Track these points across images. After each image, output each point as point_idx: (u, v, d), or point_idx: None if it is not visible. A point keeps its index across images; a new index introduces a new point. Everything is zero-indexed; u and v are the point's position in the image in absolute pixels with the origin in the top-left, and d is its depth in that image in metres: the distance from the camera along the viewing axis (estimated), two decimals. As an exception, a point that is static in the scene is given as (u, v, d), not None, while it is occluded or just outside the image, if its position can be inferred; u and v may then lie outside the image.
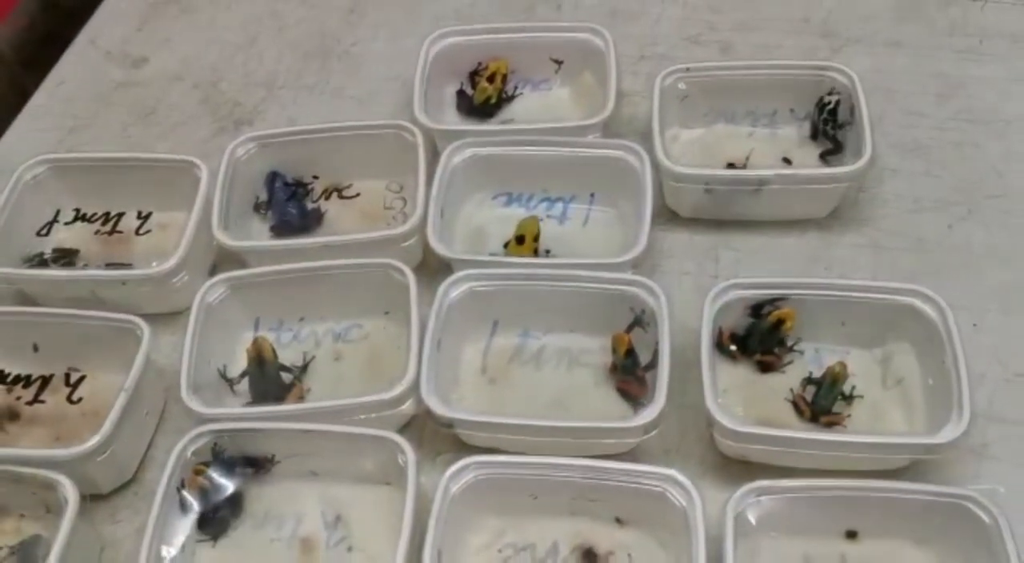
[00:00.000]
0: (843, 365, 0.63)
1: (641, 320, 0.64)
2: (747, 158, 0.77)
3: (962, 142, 0.80)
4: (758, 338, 0.65)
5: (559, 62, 0.83)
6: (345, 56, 0.92)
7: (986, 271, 0.72)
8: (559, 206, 0.74)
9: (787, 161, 0.76)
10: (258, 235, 0.76)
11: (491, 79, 0.83)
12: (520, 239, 0.72)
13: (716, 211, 0.74)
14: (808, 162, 0.76)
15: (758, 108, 0.78)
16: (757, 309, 0.65)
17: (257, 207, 0.78)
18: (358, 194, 0.77)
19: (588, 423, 0.61)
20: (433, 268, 0.71)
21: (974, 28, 0.87)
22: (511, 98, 0.84)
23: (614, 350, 0.65)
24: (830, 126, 0.75)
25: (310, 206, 0.78)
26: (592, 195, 0.74)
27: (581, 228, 0.73)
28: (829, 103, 0.75)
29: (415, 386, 0.62)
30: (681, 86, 0.77)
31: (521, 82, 0.84)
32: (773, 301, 0.64)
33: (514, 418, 0.62)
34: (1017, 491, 0.60)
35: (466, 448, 0.64)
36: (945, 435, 0.57)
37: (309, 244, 0.71)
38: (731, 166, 0.76)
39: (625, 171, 0.72)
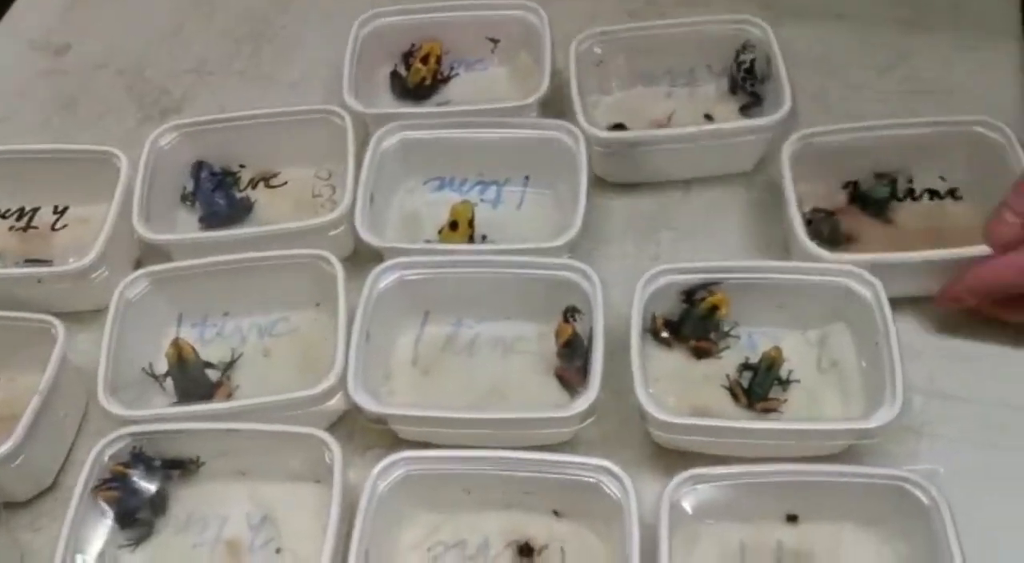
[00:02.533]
0: (778, 350, 0.61)
1: (573, 311, 0.62)
2: (669, 118, 0.76)
3: (905, 113, 0.78)
4: (692, 324, 0.63)
5: (495, 41, 0.81)
6: (276, 39, 0.89)
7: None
8: (493, 189, 0.72)
9: (709, 118, 0.76)
10: (186, 227, 0.74)
11: (425, 60, 0.80)
12: (454, 225, 0.70)
13: (644, 173, 0.73)
14: (730, 117, 0.75)
15: (675, 67, 0.77)
16: (690, 294, 0.63)
17: (184, 198, 0.75)
18: (285, 182, 0.74)
19: (521, 414, 0.60)
20: (365, 257, 0.69)
21: (917, -2, 0.86)
22: (447, 79, 0.81)
23: (556, 338, 0.63)
24: (748, 83, 0.75)
25: (239, 196, 0.75)
26: (527, 177, 0.72)
27: (515, 211, 0.71)
28: (745, 62, 0.75)
29: (343, 381, 0.60)
30: (596, 50, 0.75)
31: (457, 63, 0.82)
32: (706, 286, 0.63)
33: (445, 411, 0.60)
34: (957, 468, 0.59)
35: (401, 442, 0.63)
36: (877, 419, 0.55)
37: (233, 236, 0.69)
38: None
39: (560, 151, 0.70)
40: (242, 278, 0.66)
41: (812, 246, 0.63)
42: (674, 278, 0.63)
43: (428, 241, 0.71)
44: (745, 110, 0.76)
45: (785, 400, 0.61)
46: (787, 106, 0.70)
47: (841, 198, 0.70)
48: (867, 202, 0.70)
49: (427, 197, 0.72)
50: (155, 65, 0.88)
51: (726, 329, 0.64)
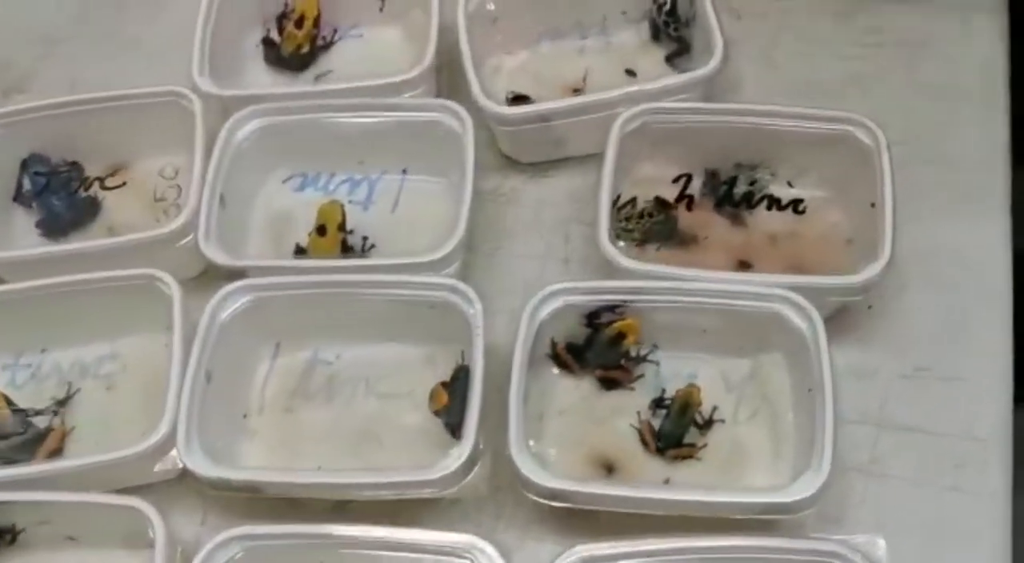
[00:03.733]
0: (695, 389, 0.51)
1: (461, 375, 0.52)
2: (584, 78, 0.65)
3: (865, 72, 0.66)
4: (597, 352, 0.53)
5: (382, -2, 0.69)
6: (144, -3, 0.76)
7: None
8: (364, 187, 0.60)
9: (630, 73, 0.65)
10: (22, 236, 0.63)
11: (299, 23, 0.68)
12: (321, 229, 0.59)
13: (563, 149, 0.62)
14: (655, 70, 0.64)
15: (585, 17, 0.65)
16: (593, 317, 0.53)
17: (19, 200, 0.64)
18: (124, 183, 0.63)
19: (383, 478, 0.49)
20: (220, 274, 0.58)
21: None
22: (329, 44, 0.69)
23: (430, 400, 0.53)
24: (672, 28, 0.64)
25: (82, 195, 0.64)
26: (404, 171, 0.61)
27: (389, 215, 0.59)
28: (664, 2, 0.64)
29: (174, 436, 0.50)
30: (489, 7, 0.63)
31: (341, 25, 0.69)
32: (612, 308, 0.52)
33: (290, 475, 0.50)
34: (909, 516, 0.50)
35: (260, 501, 0.53)
36: (797, 491, 0.45)
37: (53, 253, 0.59)
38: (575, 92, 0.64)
39: (445, 138, 0.59)
40: (63, 306, 0.56)
41: (608, 247, 0.53)
42: (572, 300, 0.52)
43: (298, 247, 0.60)
44: (672, 60, 0.65)
45: (704, 445, 0.51)
46: (719, 53, 0.59)
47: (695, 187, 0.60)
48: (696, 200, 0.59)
49: (292, 198, 0.61)
50: (-1, 33, 0.75)
51: (644, 353, 0.54)
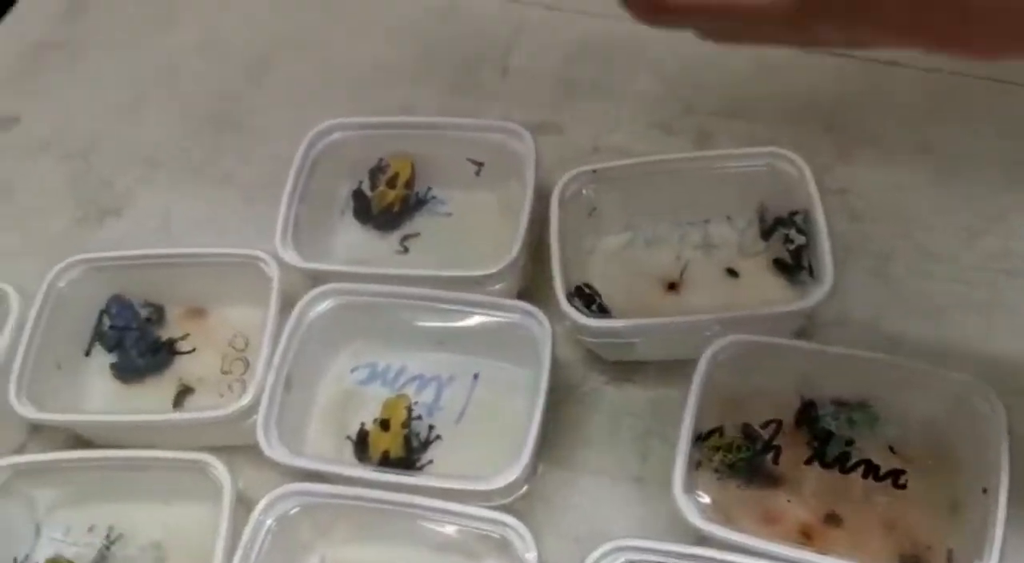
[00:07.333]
0: None
1: None
2: (681, 273, 0.62)
3: (993, 301, 0.60)
4: (659, 614, 0.49)
5: (479, 164, 0.66)
6: (242, 127, 0.76)
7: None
8: (432, 388, 0.57)
9: (732, 273, 0.62)
10: (97, 372, 0.62)
11: (392, 183, 0.66)
12: (384, 424, 0.56)
13: (648, 354, 0.59)
14: (758, 272, 0.61)
15: (686, 217, 0.63)
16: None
17: (98, 338, 0.63)
18: (193, 349, 0.62)
19: None
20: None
21: (1032, 130, 0.66)
22: (422, 203, 0.67)
23: None
24: (792, 258, 0.60)
25: (159, 342, 0.63)
26: (476, 375, 0.58)
27: (453, 426, 0.56)
28: (792, 242, 0.59)
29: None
30: (587, 193, 0.61)
31: (435, 185, 0.67)
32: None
33: None
34: None
35: None
36: None
37: (117, 423, 0.57)
38: (671, 287, 0.62)
39: (525, 339, 0.56)
40: (120, 482, 0.55)
41: (681, 503, 0.49)
42: (635, 558, 0.48)
43: (361, 431, 0.57)
44: (782, 266, 0.61)
45: None
46: (827, 284, 0.55)
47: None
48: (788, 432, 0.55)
49: (353, 389, 0.58)
50: (102, 149, 0.75)
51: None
